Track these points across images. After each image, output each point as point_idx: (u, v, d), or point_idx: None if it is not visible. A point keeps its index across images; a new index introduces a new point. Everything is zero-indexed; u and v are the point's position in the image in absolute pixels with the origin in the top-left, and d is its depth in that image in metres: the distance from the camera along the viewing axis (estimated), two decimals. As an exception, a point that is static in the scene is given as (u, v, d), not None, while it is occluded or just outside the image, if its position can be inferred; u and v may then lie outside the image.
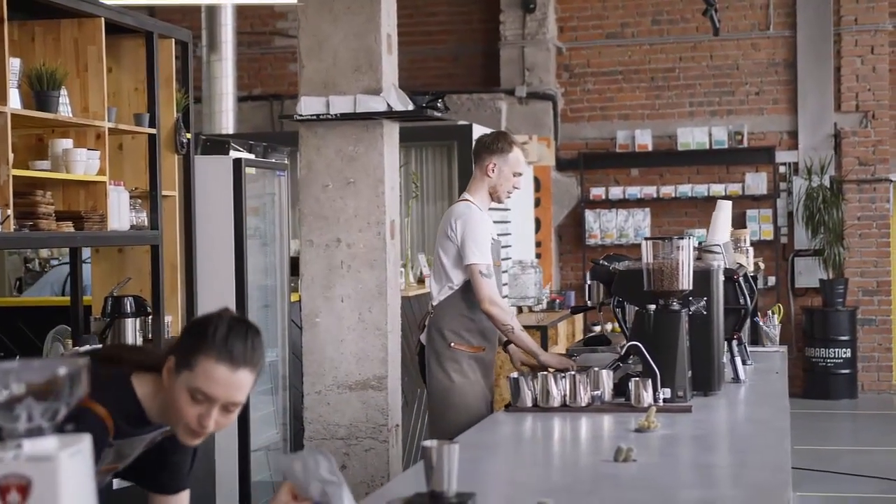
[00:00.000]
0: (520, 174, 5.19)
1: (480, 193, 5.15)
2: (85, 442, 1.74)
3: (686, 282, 4.27)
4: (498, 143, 5.16)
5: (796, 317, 12.31)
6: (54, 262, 7.93)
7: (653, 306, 4.27)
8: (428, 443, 2.69)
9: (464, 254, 4.99)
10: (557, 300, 10.52)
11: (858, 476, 8.40)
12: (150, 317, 5.44)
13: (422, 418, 7.82)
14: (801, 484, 7.91)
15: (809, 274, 12.22)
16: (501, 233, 9.81)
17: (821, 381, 11.91)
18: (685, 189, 12.37)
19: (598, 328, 10.27)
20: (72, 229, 4.84)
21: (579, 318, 10.78)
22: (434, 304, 5.16)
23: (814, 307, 12.13)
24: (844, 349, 11.87)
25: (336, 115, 5.34)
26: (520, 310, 10.02)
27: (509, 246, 10.11)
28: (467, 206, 5.11)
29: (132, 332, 5.27)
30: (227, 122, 10.66)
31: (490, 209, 8.82)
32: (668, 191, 12.40)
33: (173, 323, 5.71)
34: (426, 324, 5.25)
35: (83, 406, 2.49)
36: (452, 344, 5.06)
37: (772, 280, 12.19)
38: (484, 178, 5.14)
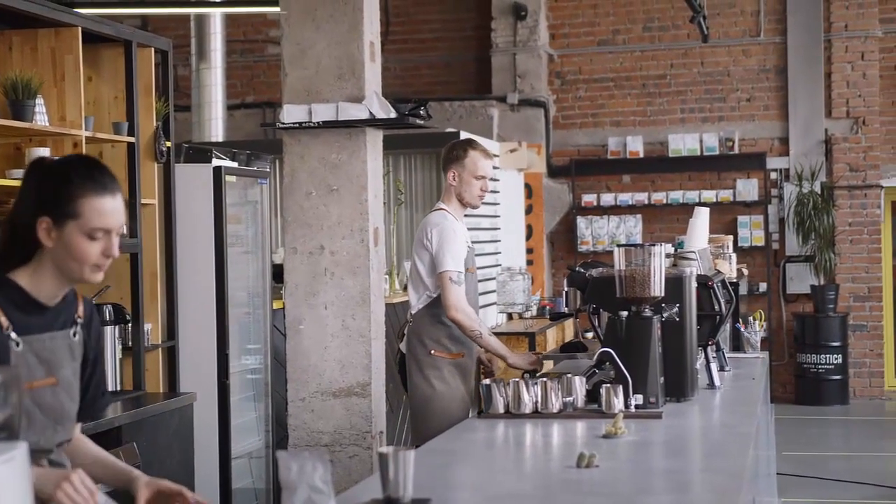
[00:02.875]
0: (482, 177, 5.23)
1: (453, 202, 5.25)
2: (20, 449, 1.76)
3: (658, 288, 4.28)
4: (453, 151, 5.27)
5: (787, 323, 12.32)
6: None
7: (625, 313, 4.28)
8: (383, 449, 2.71)
9: (437, 261, 5.07)
10: (548, 307, 10.52)
11: (847, 482, 8.40)
12: (129, 325, 5.46)
13: (406, 425, 7.82)
14: (788, 490, 7.91)
15: (801, 280, 12.23)
16: (491, 239, 9.87)
17: (812, 387, 11.91)
18: (676, 195, 12.39)
19: (590, 335, 10.27)
20: (49, 237, 4.84)
21: (570, 324, 10.80)
22: (413, 312, 5.23)
23: (805, 313, 12.14)
24: (836, 355, 11.87)
25: (319, 122, 5.35)
26: (509, 316, 10.03)
27: (498, 253, 10.13)
28: (442, 215, 5.18)
29: (111, 339, 5.28)
30: (216, 130, 10.68)
31: (477, 215, 8.84)
32: (659, 197, 12.42)
33: (153, 331, 5.72)
34: (405, 332, 5.30)
35: None
36: (433, 351, 5.13)
37: (763, 286, 12.20)
38: (450, 187, 5.24)
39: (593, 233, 12.56)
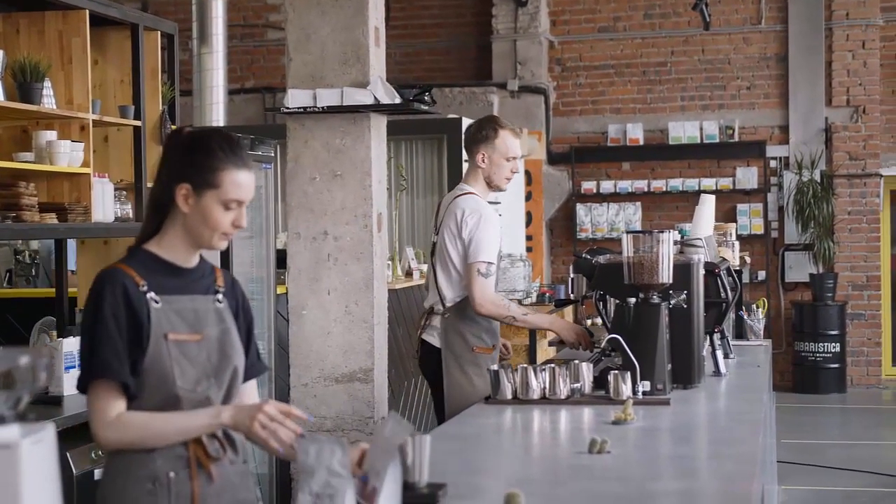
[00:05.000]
0: (513, 158, 5.06)
1: (479, 184, 5.07)
2: (48, 430, 1.76)
3: (666, 275, 4.28)
4: (482, 130, 5.05)
5: (786, 311, 12.34)
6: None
7: (633, 299, 4.28)
8: (399, 434, 2.70)
9: (470, 250, 4.87)
10: (548, 294, 10.53)
11: (845, 470, 8.43)
12: (134, 308, 5.45)
13: (409, 411, 7.83)
14: (787, 477, 7.94)
15: (799, 268, 12.25)
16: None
17: (810, 375, 11.95)
18: (676, 183, 12.40)
19: (589, 322, 10.27)
20: (55, 221, 4.85)
21: (569, 311, 10.81)
22: (448, 304, 5.01)
23: (804, 301, 12.16)
24: (834, 343, 11.90)
25: (323, 107, 5.34)
26: (509, 303, 10.04)
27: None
28: (476, 200, 4.99)
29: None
30: (217, 114, 10.61)
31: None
32: (659, 185, 12.43)
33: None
34: (427, 323, 5.13)
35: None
36: (475, 348, 4.98)
37: (762, 274, 12.22)
38: (477, 169, 5.06)
39: (593, 220, 12.57)
